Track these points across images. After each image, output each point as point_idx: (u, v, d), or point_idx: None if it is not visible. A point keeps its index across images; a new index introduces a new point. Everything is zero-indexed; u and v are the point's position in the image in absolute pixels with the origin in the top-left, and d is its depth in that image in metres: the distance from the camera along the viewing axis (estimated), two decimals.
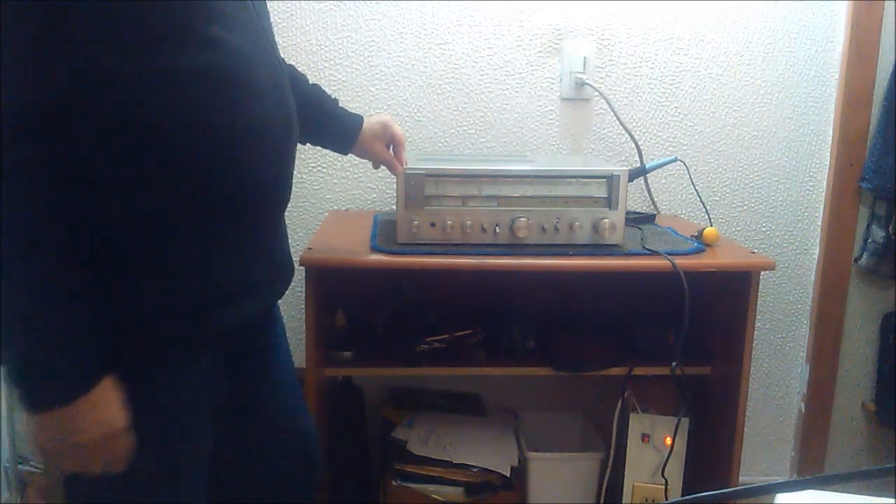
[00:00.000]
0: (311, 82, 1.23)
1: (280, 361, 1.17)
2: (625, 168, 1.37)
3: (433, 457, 1.61)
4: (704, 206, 1.76)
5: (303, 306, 1.36)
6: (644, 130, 1.80)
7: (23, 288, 0.76)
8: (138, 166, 0.82)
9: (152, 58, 0.79)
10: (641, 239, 1.45)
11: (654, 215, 1.75)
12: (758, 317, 1.61)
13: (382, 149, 1.29)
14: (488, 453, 1.64)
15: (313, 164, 1.75)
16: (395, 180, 1.33)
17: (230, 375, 1.04)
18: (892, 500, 0.75)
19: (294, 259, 1.12)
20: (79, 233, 0.80)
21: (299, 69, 1.24)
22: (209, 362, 0.96)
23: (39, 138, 0.76)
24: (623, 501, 1.58)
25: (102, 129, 0.80)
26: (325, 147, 1.31)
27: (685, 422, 1.52)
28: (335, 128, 1.26)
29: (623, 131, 1.76)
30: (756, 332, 1.53)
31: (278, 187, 0.97)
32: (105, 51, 0.77)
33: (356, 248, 1.34)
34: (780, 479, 1.86)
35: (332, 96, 1.26)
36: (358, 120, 1.27)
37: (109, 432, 0.82)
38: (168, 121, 0.81)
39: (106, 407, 0.81)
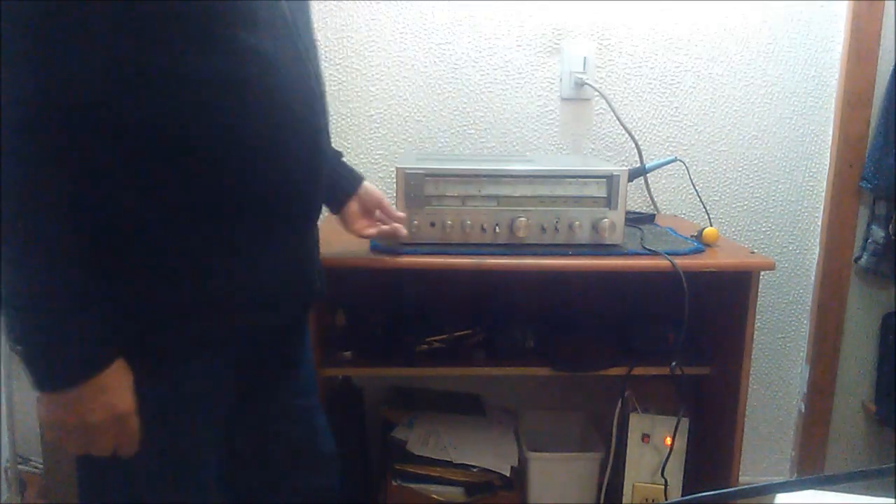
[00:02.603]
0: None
1: (304, 375, 1.17)
2: (625, 168, 1.37)
3: (433, 457, 1.60)
4: (704, 206, 1.76)
5: None
6: (644, 130, 1.80)
7: (37, 271, 0.77)
8: (145, 166, 0.83)
9: (169, 58, 0.80)
10: (641, 239, 1.45)
11: (654, 215, 1.75)
12: (758, 317, 1.61)
13: (364, 225, 1.25)
14: (488, 453, 1.64)
15: None
16: (395, 180, 1.34)
17: (244, 385, 1.04)
18: (892, 501, 0.75)
19: None
20: (92, 225, 0.82)
21: None
22: (214, 367, 0.95)
23: (48, 133, 0.77)
24: (623, 501, 1.58)
25: (116, 126, 0.81)
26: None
27: (685, 422, 1.52)
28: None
29: (623, 131, 1.76)
30: (756, 332, 1.53)
31: (299, 199, 0.96)
32: (124, 50, 0.78)
33: (356, 248, 1.34)
34: (780, 479, 1.86)
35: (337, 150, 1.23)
36: (355, 179, 1.23)
37: (117, 415, 0.83)
38: (181, 122, 0.82)
39: (115, 390, 0.83)
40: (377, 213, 1.27)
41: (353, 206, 1.24)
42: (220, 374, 0.97)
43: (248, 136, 0.86)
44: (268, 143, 0.88)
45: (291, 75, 0.90)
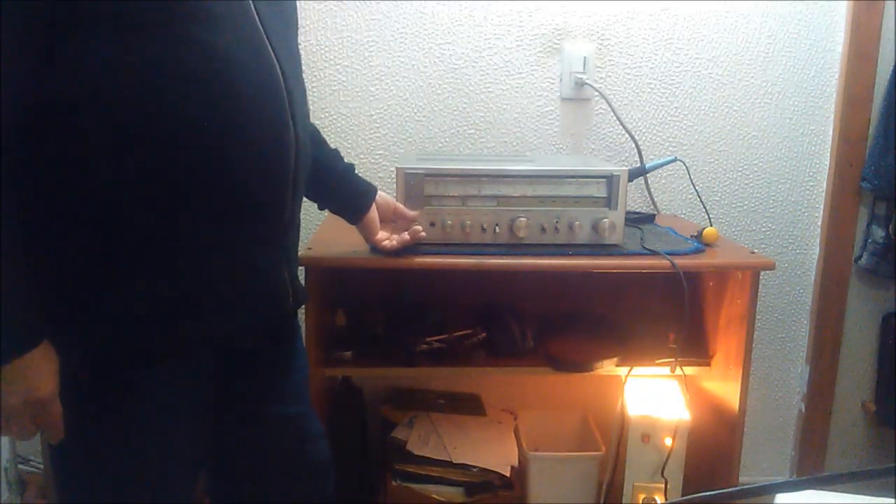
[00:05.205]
0: (331, 146, 1.23)
1: (293, 383, 1.14)
2: (625, 168, 1.37)
3: (433, 457, 1.61)
4: (704, 206, 1.76)
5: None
6: (644, 130, 1.80)
7: None
8: (89, 160, 0.82)
9: (124, 53, 0.79)
10: (641, 239, 1.45)
11: (654, 215, 1.75)
12: (758, 317, 1.61)
13: (383, 237, 1.28)
14: (488, 453, 1.64)
15: None
16: (394, 180, 1.34)
17: (226, 395, 1.03)
18: (892, 501, 0.75)
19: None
20: (33, 221, 0.81)
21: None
22: (187, 371, 0.94)
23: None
24: (623, 501, 1.58)
25: (58, 119, 0.80)
26: (337, 213, 1.27)
27: (685, 422, 1.52)
28: (345, 193, 1.23)
29: (623, 131, 1.76)
30: (756, 332, 1.53)
31: (263, 198, 0.93)
32: (77, 42, 0.78)
33: (356, 248, 1.34)
34: (780, 479, 1.86)
35: (350, 162, 1.25)
36: (371, 190, 1.26)
37: (36, 399, 0.82)
38: (134, 119, 0.81)
39: (36, 374, 0.82)
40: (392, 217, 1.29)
41: (370, 218, 1.25)
42: (186, 382, 0.94)
43: (195, 130, 0.84)
44: (217, 136, 0.85)
45: (251, 72, 0.87)
